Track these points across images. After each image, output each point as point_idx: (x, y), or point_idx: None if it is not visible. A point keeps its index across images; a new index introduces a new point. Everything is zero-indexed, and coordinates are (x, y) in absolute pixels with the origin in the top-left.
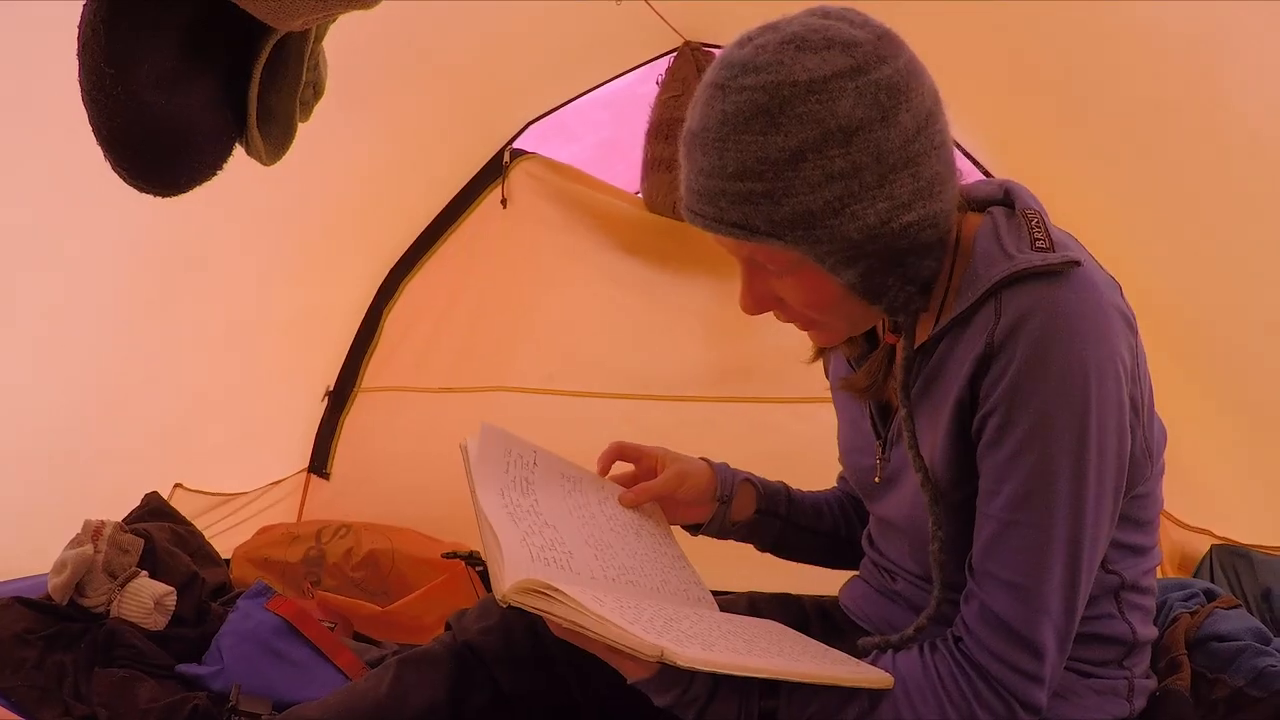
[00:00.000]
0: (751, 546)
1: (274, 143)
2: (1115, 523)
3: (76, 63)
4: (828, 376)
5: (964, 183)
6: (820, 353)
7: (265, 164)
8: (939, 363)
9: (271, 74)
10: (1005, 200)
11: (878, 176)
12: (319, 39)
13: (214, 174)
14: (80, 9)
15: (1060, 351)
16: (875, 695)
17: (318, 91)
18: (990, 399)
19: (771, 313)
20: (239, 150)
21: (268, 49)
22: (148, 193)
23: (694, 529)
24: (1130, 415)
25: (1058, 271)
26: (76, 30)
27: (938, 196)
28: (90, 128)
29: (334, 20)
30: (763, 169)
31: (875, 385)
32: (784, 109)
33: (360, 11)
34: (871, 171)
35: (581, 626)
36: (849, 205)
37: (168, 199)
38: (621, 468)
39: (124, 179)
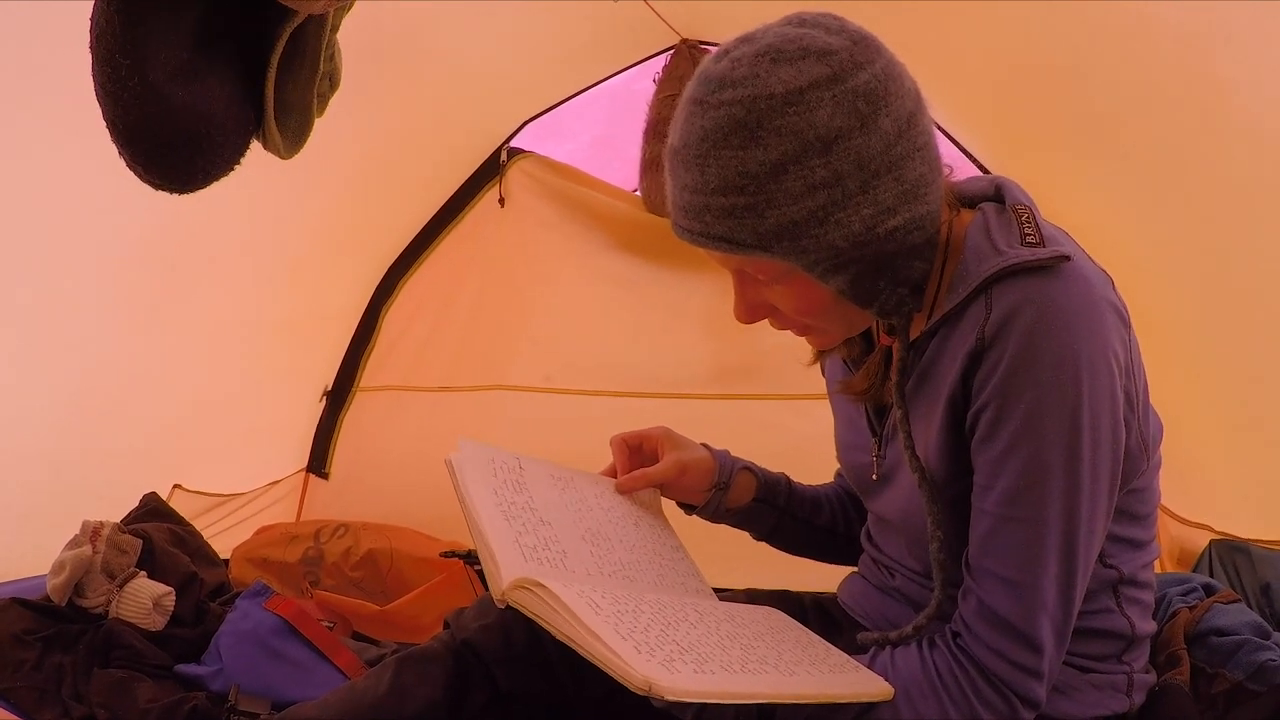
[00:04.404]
0: (750, 541)
1: (291, 135)
2: (1111, 517)
3: (89, 56)
4: (824, 376)
5: (956, 180)
6: (819, 355)
7: (283, 157)
8: (931, 359)
9: (288, 65)
10: (996, 196)
11: (860, 184)
12: (335, 29)
13: (231, 169)
14: (85, 7)
15: (1051, 345)
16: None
17: (334, 83)
18: (982, 394)
19: (767, 320)
20: None
21: (284, 38)
22: (164, 189)
23: (688, 508)
24: (1125, 408)
25: (1048, 266)
26: (89, 25)
27: (923, 198)
28: (105, 123)
29: (350, 7)
30: (744, 183)
31: (873, 388)
32: (762, 123)
33: (361, 4)
34: (853, 179)
35: (573, 642)
36: (833, 214)
37: (172, 195)
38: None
39: (139, 175)
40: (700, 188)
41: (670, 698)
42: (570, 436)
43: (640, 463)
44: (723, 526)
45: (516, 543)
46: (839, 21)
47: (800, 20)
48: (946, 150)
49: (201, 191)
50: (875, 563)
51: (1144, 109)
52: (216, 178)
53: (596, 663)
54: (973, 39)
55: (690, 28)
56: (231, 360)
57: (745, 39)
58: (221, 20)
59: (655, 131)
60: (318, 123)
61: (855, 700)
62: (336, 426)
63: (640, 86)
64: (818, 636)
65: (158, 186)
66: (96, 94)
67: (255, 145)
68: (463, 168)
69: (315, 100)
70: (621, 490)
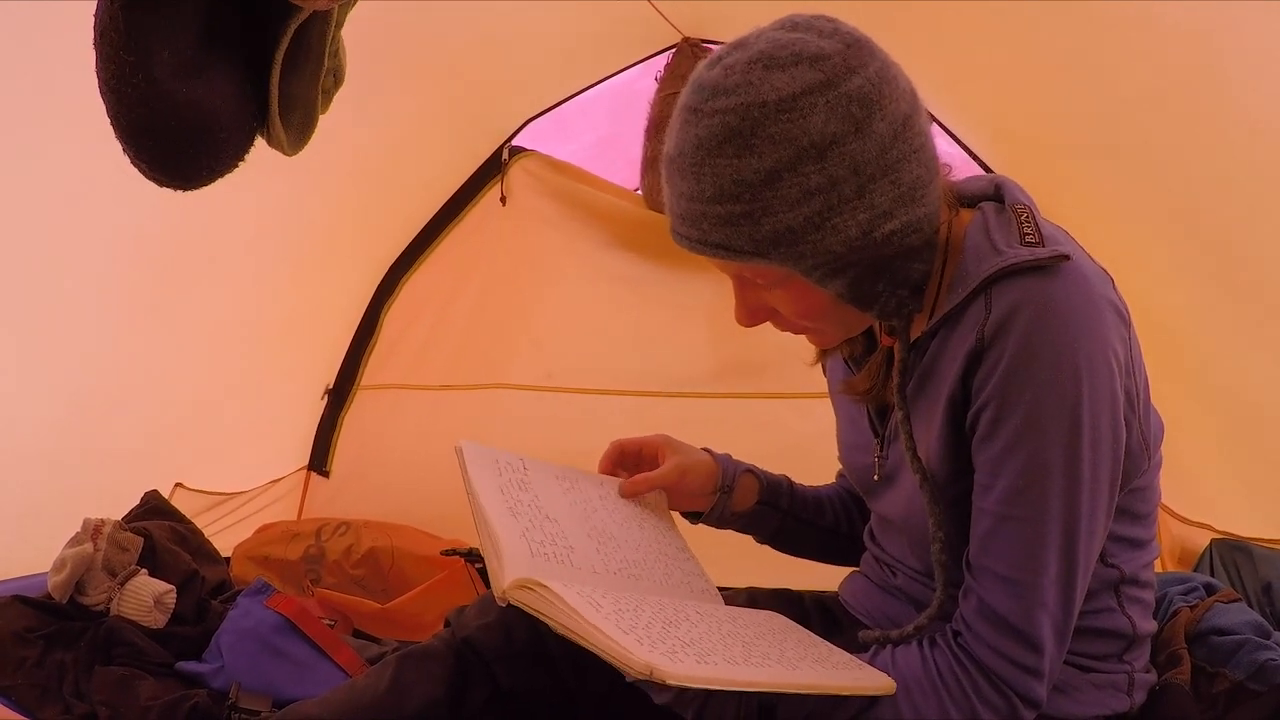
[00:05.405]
0: (750, 540)
1: (296, 132)
2: (1111, 516)
3: (93, 53)
4: (826, 376)
5: (956, 179)
6: (821, 355)
7: (288, 154)
8: (932, 359)
9: (293, 61)
10: (996, 196)
11: (856, 188)
12: (339, 25)
13: (235, 165)
14: (87, 4)
15: (1050, 344)
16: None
17: (338, 79)
18: (982, 394)
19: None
20: None
21: (289, 34)
22: (168, 186)
23: (694, 516)
24: (1125, 407)
25: (1047, 265)
26: (92, 21)
27: (920, 201)
28: (109, 120)
29: (355, 3)
30: (740, 191)
31: (875, 389)
32: (756, 131)
33: (364, 3)
34: (849, 184)
35: (575, 634)
36: (829, 219)
37: (173, 195)
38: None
39: (144, 172)
40: (696, 196)
41: (672, 681)
42: (571, 435)
43: (639, 469)
44: None
45: (524, 536)
46: (832, 24)
47: (793, 24)
48: (949, 149)
49: (203, 190)
50: (877, 561)
51: (1146, 107)
52: (221, 174)
53: (598, 652)
54: (975, 37)
55: (692, 26)
56: (232, 359)
57: (738, 45)
58: (226, 17)
59: (657, 129)
60: (320, 121)
61: (858, 694)
62: (338, 425)
63: (642, 85)
64: (820, 638)
65: (162, 183)
66: (100, 91)
67: (259, 143)
68: (464, 166)
69: (319, 96)
70: (625, 494)
